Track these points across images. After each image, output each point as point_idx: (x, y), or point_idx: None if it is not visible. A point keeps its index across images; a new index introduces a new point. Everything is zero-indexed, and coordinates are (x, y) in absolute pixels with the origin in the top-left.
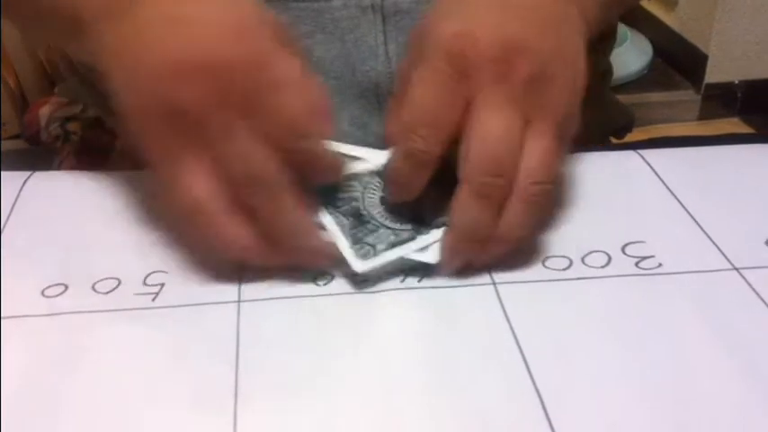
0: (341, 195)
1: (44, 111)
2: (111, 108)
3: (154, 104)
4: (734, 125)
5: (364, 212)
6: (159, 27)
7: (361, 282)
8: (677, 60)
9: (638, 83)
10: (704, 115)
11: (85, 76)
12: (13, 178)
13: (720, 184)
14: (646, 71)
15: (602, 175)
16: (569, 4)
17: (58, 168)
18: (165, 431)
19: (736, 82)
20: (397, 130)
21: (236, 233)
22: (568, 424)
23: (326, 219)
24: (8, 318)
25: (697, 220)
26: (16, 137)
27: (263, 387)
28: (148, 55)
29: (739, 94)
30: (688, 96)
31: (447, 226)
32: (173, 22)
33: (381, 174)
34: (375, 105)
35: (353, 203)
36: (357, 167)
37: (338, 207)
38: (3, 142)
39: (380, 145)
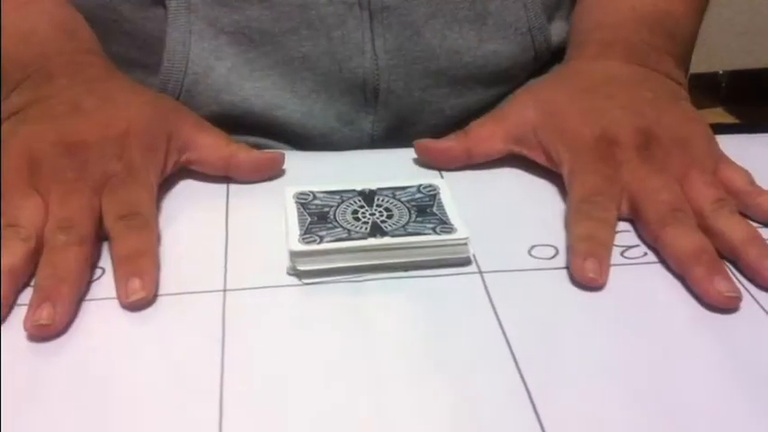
0: (317, 202)
1: None
2: None
3: (27, 150)
4: (718, 115)
5: (330, 216)
6: (63, 106)
7: (299, 275)
8: None
9: None
10: None
11: None
12: None
13: None
14: None
15: None
16: (664, 78)
17: None
18: (149, 420)
19: (721, 72)
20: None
21: (14, 253)
22: (553, 411)
23: (291, 209)
24: None
25: None
26: None
27: (248, 375)
28: (47, 122)
29: (723, 84)
30: None
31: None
32: (73, 109)
33: (364, 193)
34: (362, 102)
35: (324, 209)
36: (342, 186)
37: (309, 209)
38: None
39: (367, 141)
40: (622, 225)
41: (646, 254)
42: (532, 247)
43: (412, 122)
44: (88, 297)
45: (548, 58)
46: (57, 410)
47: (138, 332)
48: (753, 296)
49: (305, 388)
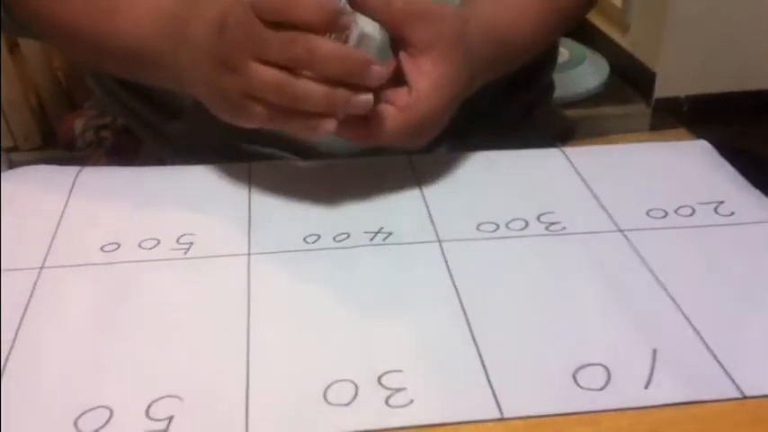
0: None
1: (78, 122)
2: (134, 115)
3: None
4: (681, 135)
5: None
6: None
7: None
8: (630, 77)
9: (596, 98)
10: (654, 126)
11: (111, 89)
12: (68, 171)
13: (621, 171)
14: (603, 88)
15: (528, 164)
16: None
17: None
18: (190, 350)
19: (683, 97)
20: None
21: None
22: (488, 339)
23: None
24: (77, 266)
25: (597, 197)
26: (37, 149)
27: (270, 315)
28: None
29: (685, 108)
30: (640, 110)
31: None
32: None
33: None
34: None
35: None
36: None
37: None
38: (25, 153)
39: (370, 153)
40: (549, 207)
41: (564, 228)
42: (480, 223)
43: None
44: (146, 259)
45: None
46: (125, 338)
47: (184, 285)
48: (646, 263)
49: (312, 320)
